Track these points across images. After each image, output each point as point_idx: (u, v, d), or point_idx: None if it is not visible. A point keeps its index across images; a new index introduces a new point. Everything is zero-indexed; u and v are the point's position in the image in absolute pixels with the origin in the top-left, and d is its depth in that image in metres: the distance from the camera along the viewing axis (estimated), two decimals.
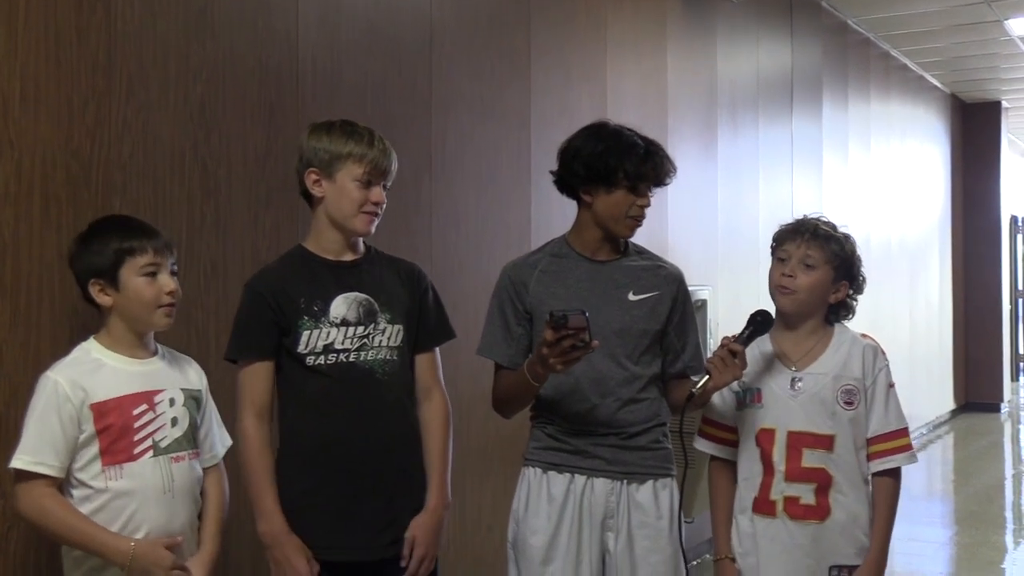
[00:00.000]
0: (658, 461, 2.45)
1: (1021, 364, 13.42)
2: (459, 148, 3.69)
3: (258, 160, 2.88)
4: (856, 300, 2.50)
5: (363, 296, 2.30)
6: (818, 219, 2.46)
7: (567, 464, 2.41)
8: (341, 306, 2.27)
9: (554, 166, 2.50)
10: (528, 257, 2.53)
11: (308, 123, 2.40)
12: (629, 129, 2.45)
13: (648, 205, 2.43)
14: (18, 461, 2.00)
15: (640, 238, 2.54)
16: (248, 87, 2.86)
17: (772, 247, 2.48)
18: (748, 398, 2.44)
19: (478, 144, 3.78)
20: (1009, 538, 6.07)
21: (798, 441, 2.36)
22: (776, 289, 2.43)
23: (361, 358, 2.27)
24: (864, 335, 2.48)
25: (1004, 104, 10.86)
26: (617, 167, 2.36)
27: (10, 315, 2.25)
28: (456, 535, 3.55)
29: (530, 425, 2.51)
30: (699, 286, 5.01)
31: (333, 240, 2.32)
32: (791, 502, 2.36)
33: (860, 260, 2.49)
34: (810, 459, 2.35)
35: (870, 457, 2.40)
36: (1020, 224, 12.90)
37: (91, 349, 2.11)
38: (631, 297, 2.44)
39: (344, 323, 2.26)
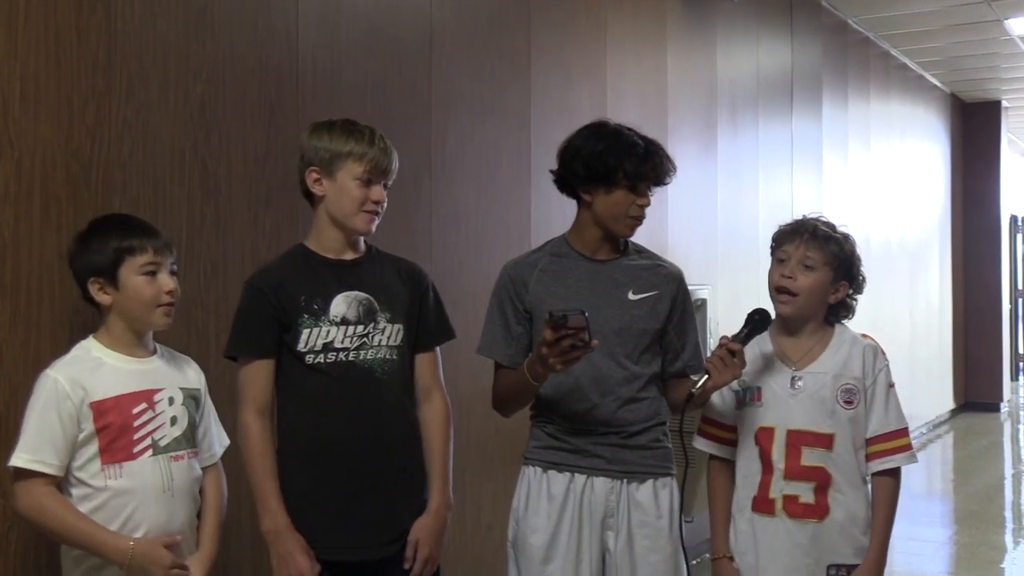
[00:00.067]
0: (658, 460, 2.45)
1: (1021, 364, 13.42)
2: (459, 148, 3.69)
3: (258, 160, 2.88)
4: (856, 300, 2.50)
5: (363, 295, 2.30)
6: (817, 219, 2.46)
7: (567, 463, 2.42)
8: (341, 305, 2.27)
9: (554, 165, 2.50)
10: (528, 256, 2.53)
11: (308, 123, 2.41)
12: (629, 128, 2.45)
13: (648, 204, 2.43)
14: (17, 459, 2.00)
15: (640, 237, 2.54)
16: (248, 87, 2.86)
17: (771, 248, 2.48)
18: (748, 397, 2.44)
19: (478, 144, 3.78)
20: (1009, 538, 6.07)
21: (797, 440, 2.37)
22: (775, 293, 2.43)
23: (361, 357, 2.27)
24: (864, 335, 2.48)
25: (1004, 104, 10.86)
26: (617, 167, 2.37)
27: (10, 315, 2.25)
28: (456, 534, 3.55)
29: (530, 424, 2.52)
30: (699, 285, 5.01)
31: (334, 239, 2.32)
32: (790, 501, 2.36)
33: (860, 260, 2.49)
34: (809, 458, 2.36)
35: (870, 457, 2.40)
36: (1020, 224, 12.90)
37: (91, 348, 2.11)
38: (631, 296, 2.44)
39: (344, 322, 2.26)
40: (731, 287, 5.47)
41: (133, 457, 2.06)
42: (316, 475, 2.25)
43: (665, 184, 2.47)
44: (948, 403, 10.45)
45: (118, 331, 2.12)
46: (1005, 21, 7.59)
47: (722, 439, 2.50)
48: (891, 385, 2.44)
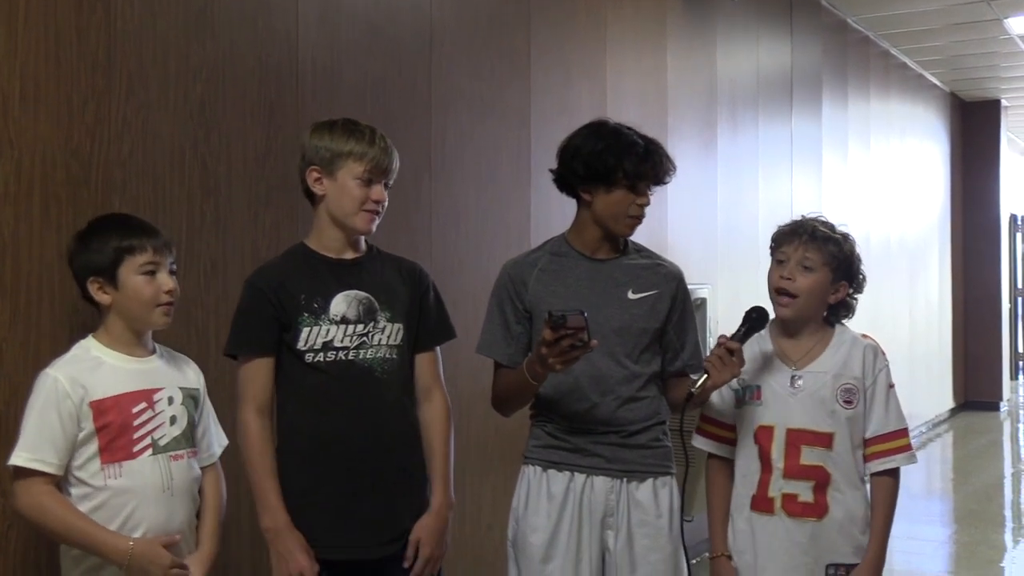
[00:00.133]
0: (658, 459, 2.45)
1: (1020, 363, 13.42)
2: (459, 147, 3.69)
3: (258, 159, 2.88)
4: (856, 299, 2.50)
5: (363, 294, 2.30)
6: (816, 220, 2.46)
7: (567, 462, 2.42)
8: (341, 304, 2.28)
9: (554, 165, 2.50)
10: (528, 255, 2.53)
11: (308, 122, 2.41)
12: (629, 128, 2.44)
13: (648, 204, 2.43)
14: (17, 458, 2.00)
15: (640, 236, 2.54)
16: (248, 86, 2.86)
17: (771, 248, 2.48)
18: (747, 395, 2.44)
19: (478, 143, 3.78)
20: (1008, 536, 6.07)
21: (797, 438, 2.37)
22: (775, 294, 2.43)
23: (360, 356, 2.27)
24: (864, 335, 2.48)
25: (1004, 103, 10.86)
26: (617, 166, 2.36)
27: (10, 314, 2.25)
28: (456, 533, 3.53)
29: (530, 423, 2.52)
30: (698, 284, 5.01)
31: (334, 238, 2.32)
32: (789, 499, 2.36)
33: (860, 259, 2.48)
34: (809, 456, 2.36)
35: (870, 457, 2.40)
36: (1019, 222, 12.90)
37: (90, 347, 2.11)
38: (631, 296, 2.44)
39: (344, 321, 2.26)
40: (731, 286, 5.47)
41: (133, 456, 2.06)
42: (316, 474, 2.25)
43: (665, 183, 2.47)
44: (948, 402, 10.46)
45: (117, 330, 2.12)
46: (1005, 20, 7.59)
47: (721, 438, 2.50)
48: (891, 385, 2.44)
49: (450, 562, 2.44)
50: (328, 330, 2.25)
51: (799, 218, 2.48)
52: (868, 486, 2.44)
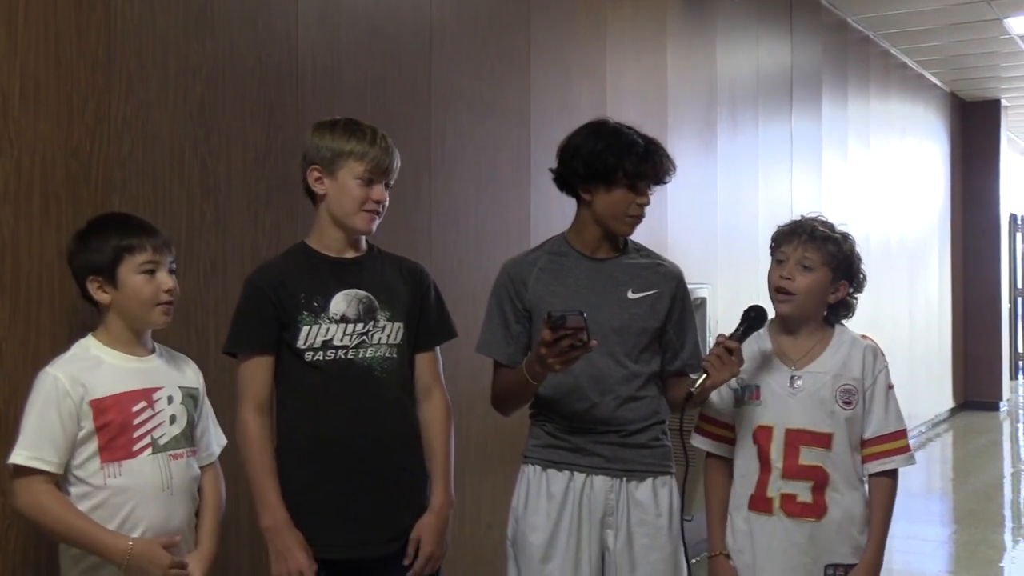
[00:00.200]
0: (657, 459, 2.45)
1: (1020, 362, 13.42)
2: (459, 146, 3.69)
3: (258, 159, 2.88)
4: (856, 299, 2.50)
5: (363, 293, 2.30)
6: (815, 219, 2.46)
7: (566, 462, 2.42)
8: (341, 303, 2.28)
9: (554, 164, 2.50)
10: (527, 255, 2.53)
11: (308, 122, 2.41)
12: (629, 127, 2.44)
13: (648, 203, 2.43)
14: (17, 456, 2.00)
15: (639, 236, 2.54)
16: (248, 86, 2.86)
17: (771, 248, 2.47)
18: (746, 395, 2.44)
19: (478, 142, 3.78)
20: (1008, 536, 6.08)
21: (796, 439, 2.37)
22: (774, 293, 2.43)
23: (360, 355, 2.27)
24: (864, 336, 2.48)
25: (1003, 102, 10.86)
26: (617, 165, 2.36)
27: (10, 313, 2.25)
28: (456, 533, 3.53)
29: (529, 423, 2.52)
30: (698, 284, 5.01)
31: (335, 237, 2.32)
32: (788, 500, 2.36)
33: (860, 259, 2.48)
34: (808, 457, 2.36)
35: (869, 458, 2.40)
36: (1019, 222, 12.90)
37: (90, 346, 2.11)
38: (630, 295, 2.44)
39: (343, 320, 2.26)
40: (730, 286, 5.47)
41: (132, 455, 2.06)
42: (315, 472, 2.25)
43: (665, 183, 2.47)
44: (947, 402, 10.46)
45: (117, 330, 2.12)
46: (1005, 20, 7.59)
47: (720, 437, 2.50)
48: (890, 386, 2.44)
49: (450, 561, 2.44)
50: (328, 329, 2.25)
51: (799, 218, 2.48)
52: (867, 486, 2.44)
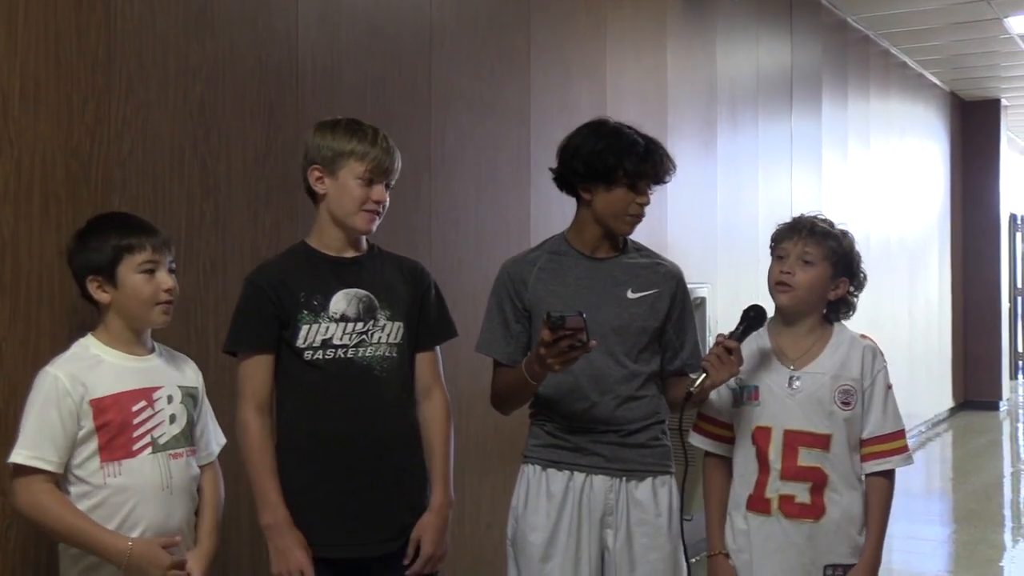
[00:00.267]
0: (657, 458, 2.45)
1: (1020, 362, 13.42)
2: (459, 146, 3.69)
3: (257, 158, 2.88)
4: (857, 297, 2.50)
5: (363, 293, 2.30)
6: (815, 216, 2.46)
7: (566, 461, 2.42)
8: (341, 302, 2.28)
9: (554, 164, 2.50)
10: (527, 254, 2.53)
11: (308, 122, 2.42)
12: (629, 127, 2.45)
13: (648, 203, 2.43)
14: (17, 455, 2.00)
15: (639, 236, 2.54)
16: (248, 86, 2.86)
17: (771, 246, 2.48)
18: (745, 395, 2.44)
19: (478, 142, 3.79)
20: (1008, 536, 6.08)
21: (795, 440, 2.37)
22: (775, 286, 2.43)
23: (359, 354, 2.27)
24: (863, 336, 2.48)
25: (1003, 102, 10.86)
26: (617, 165, 2.37)
27: (9, 313, 2.25)
28: (455, 532, 3.53)
29: (529, 422, 2.52)
30: (698, 284, 5.01)
31: (335, 237, 2.33)
32: (786, 500, 2.36)
33: (860, 256, 2.48)
34: (806, 458, 2.36)
35: (867, 457, 2.40)
36: (1019, 222, 12.89)
37: (89, 345, 2.12)
38: (630, 295, 2.44)
39: (343, 319, 2.27)
40: (730, 285, 5.47)
41: (132, 455, 2.06)
42: (314, 471, 2.25)
43: (665, 183, 2.47)
44: (947, 401, 10.46)
45: (117, 329, 2.13)
46: (1005, 19, 7.59)
47: (719, 436, 2.50)
48: (889, 387, 2.44)
49: (450, 561, 2.44)
50: (327, 328, 2.25)
51: (798, 216, 2.48)
52: (864, 487, 2.44)
